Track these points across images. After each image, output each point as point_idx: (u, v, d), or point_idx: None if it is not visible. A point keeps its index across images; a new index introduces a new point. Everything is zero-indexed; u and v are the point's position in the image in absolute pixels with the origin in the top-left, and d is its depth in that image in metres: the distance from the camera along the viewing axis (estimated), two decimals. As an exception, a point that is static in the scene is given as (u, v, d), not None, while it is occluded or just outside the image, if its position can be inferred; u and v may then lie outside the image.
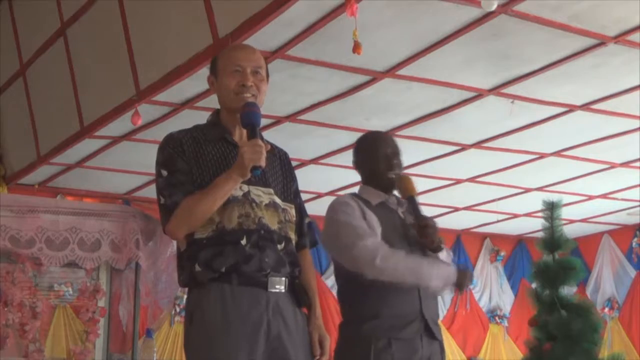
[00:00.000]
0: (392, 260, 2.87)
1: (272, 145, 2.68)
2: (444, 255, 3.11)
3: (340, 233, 2.98)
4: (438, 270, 2.93)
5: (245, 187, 2.49)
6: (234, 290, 2.43)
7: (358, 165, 3.24)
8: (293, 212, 2.63)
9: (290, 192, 2.67)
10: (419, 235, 3.03)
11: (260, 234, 2.48)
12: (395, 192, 3.18)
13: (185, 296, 2.66)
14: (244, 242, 2.45)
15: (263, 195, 2.54)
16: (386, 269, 2.86)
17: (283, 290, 2.50)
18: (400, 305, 2.96)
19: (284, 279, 2.50)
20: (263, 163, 2.39)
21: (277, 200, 2.58)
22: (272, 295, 2.46)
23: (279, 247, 2.52)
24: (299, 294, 2.55)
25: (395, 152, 3.16)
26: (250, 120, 2.45)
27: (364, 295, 3.01)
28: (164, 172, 2.51)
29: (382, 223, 3.03)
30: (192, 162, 2.51)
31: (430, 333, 2.98)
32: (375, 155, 3.15)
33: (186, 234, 2.48)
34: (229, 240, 2.45)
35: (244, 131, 2.54)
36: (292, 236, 2.60)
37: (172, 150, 2.52)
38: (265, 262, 2.46)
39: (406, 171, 3.24)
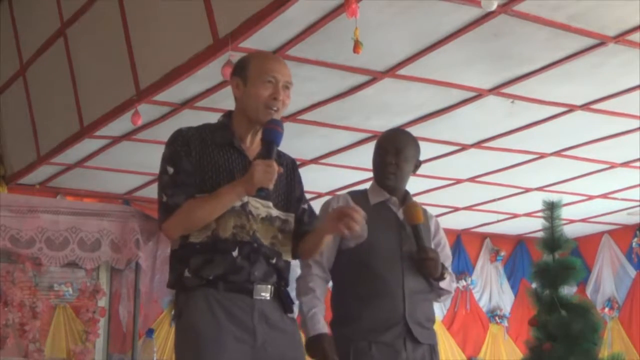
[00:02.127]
0: (301, 292, 2.99)
1: (280, 153, 2.65)
2: (446, 284, 3.10)
3: None
4: (307, 324, 2.95)
5: (245, 198, 2.48)
6: (220, 294, 2.43)
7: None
8: (292, 220, 2.62)
9: (293, 200, 2.65)
10: (418, 266, 3.02)
11: (252, 247, 2.48)
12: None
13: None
14: (235, 253, 2.45)
15: (261, 207, 2.53)
16: (298, 291, 2.99)
17: (268, 298, 2.50)
18: (382, 309, 2.96)
19: (269, 286, 2.51)
20: (271, 186, 2.41)
21: (275, 212, 2.57)
22: (257, 303, 2.47)
23: (272, 261, 2.53)
24: (285, 300, 2.56)
25: (396, 156, 3.12)
26: (273, 138, 2.46)
27: (346, 297, 3.05)
28: (170, 170, 2.49)
29: (373, 223, 3.02)
30: (196, 164, 2.49)
31: (414, 337, 2.96)
32: (376, 160, 3.17)
33: (181, 235, 2.48)
34: (221, 248, 2.45)
35: (256, 140, 2.56)
36: (285, 250, 2.60)
37: (179, 148, 2.51)
38: (255, 275, 2.47)
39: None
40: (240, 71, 2.59)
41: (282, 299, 2.54)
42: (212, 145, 2.53)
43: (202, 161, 2.50)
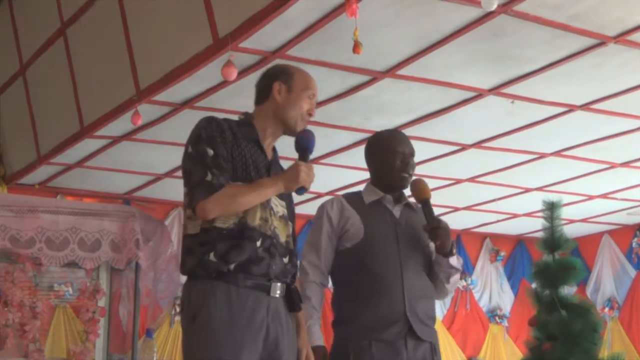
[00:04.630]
0: (306, 293, 3.00)
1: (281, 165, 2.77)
2: (454, 261, 3.10)
3: (307, 239, 3.16)
4: (311, 327, 2.95)
5: None
6: (240, 292, 2.46)
7: (370, 160, 3.24)
8: (292, 230, 2.71)
9: (291, 211, 2.74)
10: (431, 238, 3.04)
11: (272, 241, 2.55)
12: (406, 193, 3.20)
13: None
14: (258, 243, 2.51)
15: (279, 206, 2.64)
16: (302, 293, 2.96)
17: (279, 296, 2.56)
18: (383, 307, 2.97)
19: (281, 284, 2.58)
20: (310, 187, 2.56)
21: (287, 214, 2.68)
22: (272, 301, 2.53)
23: (285, 260, 2.60)
24: (295, 299, 2.63)
25: (412, 153, 3.17)
26: (310, 146, 2.63)
27: (347, 296, 3.05)
28: (210, 151, 2.51)
29: (368, 222, 3.07)
30: (229, 152, 2.55)
31: (415, 335, 2.97)
32: (394, 151, 3.14)
33: (215, 217, 2.48)
34: (248, 236, 2.49)
35: (272, 142, 2.70)
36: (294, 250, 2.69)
37: (216, 133, 2.55)
38: (272, 269, 2.53)
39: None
40: (286, 79, 2.69)
41: (291, 298, 2.62)
42: (240, 138, 2.59)
43: (233, 151, 2.56)
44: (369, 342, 2.93)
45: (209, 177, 2.48)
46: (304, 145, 2.63)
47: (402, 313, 2.95)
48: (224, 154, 2.52)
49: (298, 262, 2.79)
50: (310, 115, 2.68)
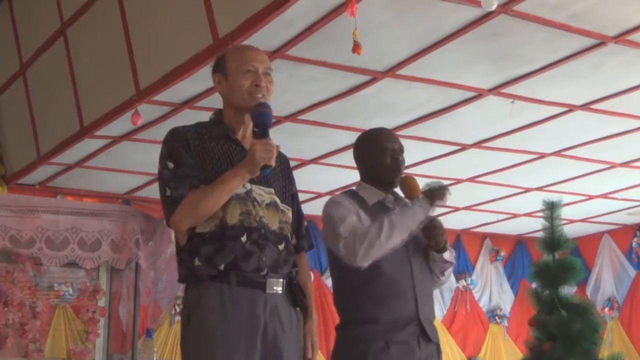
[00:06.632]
0: (367, 240, 2.87)
1: None
2: (448, 255, 3.11)
3: (337, 228, 2.97)
4: (411, 212, 2.95)
5: (248, 185, 2.52)
6: (233, 291, 2.44)
7: (360, 159, 3.23)
8: (290, 214, 2.65)
9: (288, 194, 2.69)
10: (425, 236, 3.03)
11: (260, 232, 2.51)
12: (397, 190, 3.19)
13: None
14: (244, 239, 2.48)
15: (264, 194, 2.57)
16: (369, 252, 2.87)
17: (280, 292, 2.52)
18: (397, 309, 2.97)
19: (281, 280, 2.53)
20: (273, 162, 2.45)
21: (277, 200, 2.60)
22: (270, 297, 2.49)
23: (280, 247, 2.55)
24: (297, 294, 2.58)
25: (401, 149, 3.16)
26: (263, 120, 2.51)
27: (360, 298, 3.03)
28: (170, 165, 2.52)
29: None
30: (196, 157, 2.52)
31: (426, 336, 2.99)
32: (383, 149, 3.13)
33: (190, 227, 2.49)
34: (230, 235, 2.47)
35: (248, 130, 2.60)
36: (290, 237, 2.64)
37: (177, 144, 2.54)
38: (263, 261, 2.48)
39: (406, 171, 3.25)
40: (220, 67, 2.66)
41: (293, 292, 2.57)
42: (209, 139, 2.57)
43: (201, 154, 2.53)
44: (387, 343, 2.93)
45: (168, 193, 2.50)
46: (257, 120, 2.52)
47: (415, 315, 2.97)
48: (188, 162, 2.51)
49: (307, 244, 2.75)
50: (257, 86, 2.56)
